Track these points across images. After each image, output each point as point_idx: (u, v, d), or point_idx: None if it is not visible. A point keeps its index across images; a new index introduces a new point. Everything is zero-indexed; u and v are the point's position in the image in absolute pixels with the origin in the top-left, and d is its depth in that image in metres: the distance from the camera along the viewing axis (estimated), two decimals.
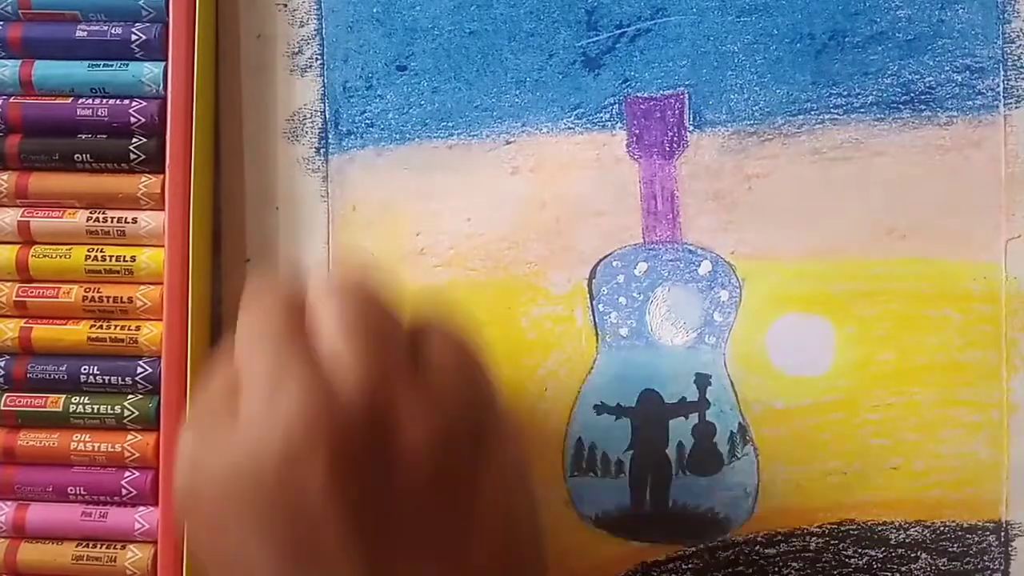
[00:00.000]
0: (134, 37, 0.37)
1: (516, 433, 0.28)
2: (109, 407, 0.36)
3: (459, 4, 0.37)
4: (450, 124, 0.37)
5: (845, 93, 0.36)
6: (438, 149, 0.37)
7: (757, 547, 0.36)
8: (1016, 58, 0.35)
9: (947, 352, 0.35)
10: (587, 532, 0.36)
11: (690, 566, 0.36)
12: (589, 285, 0.36)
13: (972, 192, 0.35)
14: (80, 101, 0.37)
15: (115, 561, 0.36)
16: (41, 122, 0.37)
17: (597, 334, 0.36)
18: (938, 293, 0.35)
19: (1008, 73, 0.35)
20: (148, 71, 0.37)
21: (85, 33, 0.37)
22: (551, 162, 0.37)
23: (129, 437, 0.36)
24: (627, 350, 0.36)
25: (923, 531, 0.35)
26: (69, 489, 0.37)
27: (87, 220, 0.37)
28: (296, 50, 0.38)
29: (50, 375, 0.37)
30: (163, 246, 0.36)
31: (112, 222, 0.37)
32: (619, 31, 0.37)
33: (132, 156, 0.37)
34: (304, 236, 0.38)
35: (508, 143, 0.37)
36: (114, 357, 0.37)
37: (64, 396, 0.37)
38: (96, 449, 0.36)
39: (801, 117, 0.36)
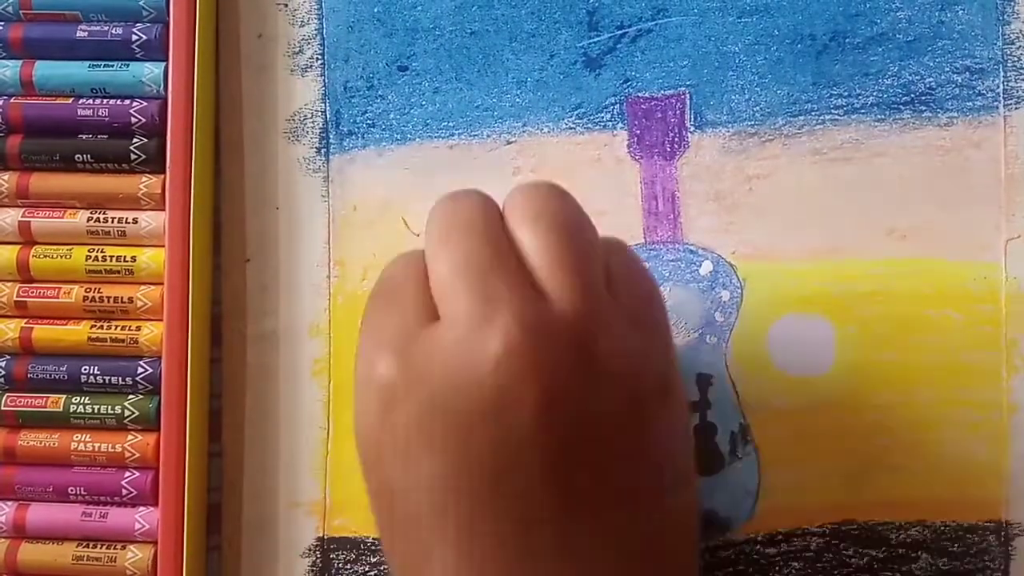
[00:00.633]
0: (135, 37, 0.37)
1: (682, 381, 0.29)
2: (109, 407, 0.36)
3: (460, 4, 0.37)
4: (451, 124, 0.37)
5: (846, 94, 0.36)
6: (439, 149, 0.37)
7: (758, 547, 0.36)
8: (1016, 59, 0.35)
9: (947, 352, 0.35)
10: None
11: None
12: None
13: (972, 192, 0.35)
14: (81, 101, 0.37)
15: (115, 561, 0.36)
16: (42, 122, 0.37)
17: None
18: (938, 293, 0.35)
19: (1008, 74, 0.35)
20: (149, 71, 0.37)
21: (86, 33, 0.37)
22: (552, 162, 0.37)
23: (129, 437, 0.36)
24: None
25: (924, 531, 0.35)
26: (69, 489, 0.36)
27: (88, 220, 0.37)
28: (297, 50, 0.38)
29: (50, 375, 0.37)
30: (164, 246, 0.36)
31: (113, 222, 0.37)
32: (620, 31, 0.37)
33: (133, 156, 0.37)
34: (304, 236, 0.38)
35: (509, 143, 0.37)
36: (114, 357, 0.37)
37: (64, 396, 0.37)
38: (96, 449, 0.36)
39: (802, 118, 0.36)
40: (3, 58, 0.38)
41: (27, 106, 0.37)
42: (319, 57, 0.38)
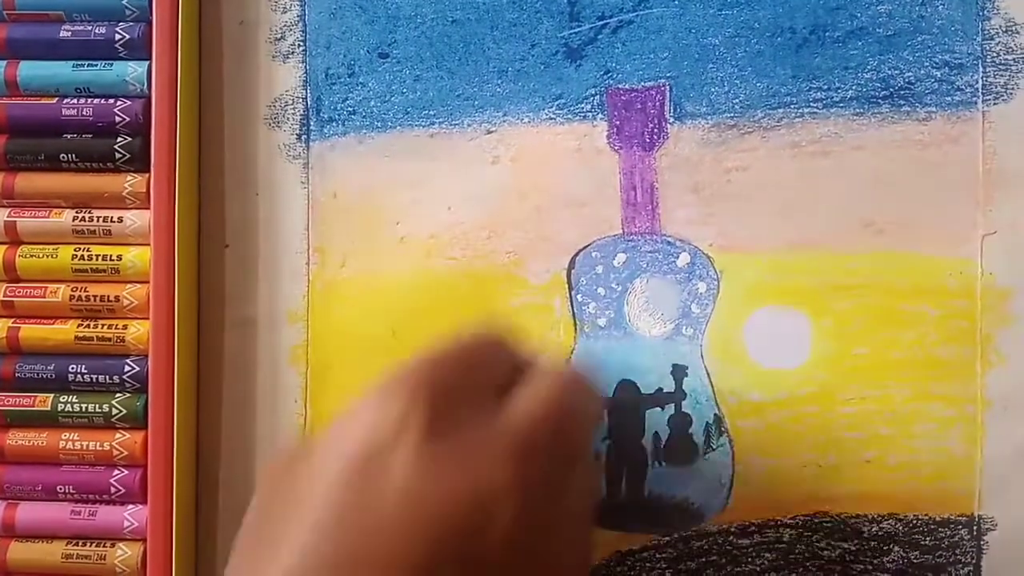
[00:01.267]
0: (118, 37, 0.37)
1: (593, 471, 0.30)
2: (97, 406, 0.37)
3: None
4: (432, 113, 0.37)
5: (825, 87, 0.36)
6: (419, 137, 0.37)
7: (731, 538, 0.36)
8: (995, 55, 0.35)
9: (922, 347, 0.35)
10: None
11: (664, 555, 0.36)
12: (568, 275, 0.37)
13: (949, 187, 0.35)
14: (65, 101, 0.37)
15: (104, 559, 0.36)
16: (26, 122, 0.37)
17: (575, 324, 0.37)
18: (914, 288, 0.35)
19: (987, 69, 0.35)
20: (132, 70, 0.37)
21: (69, 33, 0.37)
22: (532, 152, 0.37)
23: (117, 435, 0.37)
24: (605, 340, 0.36)
25: (896, 524, 0.35)
26: (58, 488, 0.37)
27: (73, 220, 0.37)
28: (278, 36, 0.38)
29: (38, 374, 0.37)
30: (149, 245, 0.36)
31: (98, 221, 0.37)
32: (601, 22, 0.37)
33: (117, 155, 0.37)
34: (284, 223, 0.38)
35: (489, 132, 0.37)
36: (101, 356, 0.37)
37: (52, 395, 0.37)
38: (85, 448, 0.36)
39: (781, 111, 0.36)
40: None
41: (11, 106, 0.37)
42: (301, 44, 0.38)
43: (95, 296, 0.37)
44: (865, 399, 0.35)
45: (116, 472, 0.37)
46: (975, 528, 0.35)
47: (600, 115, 0.37)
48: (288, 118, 0.38)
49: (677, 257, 0.36)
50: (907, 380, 0.35)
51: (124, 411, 0.36)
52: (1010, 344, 0.35)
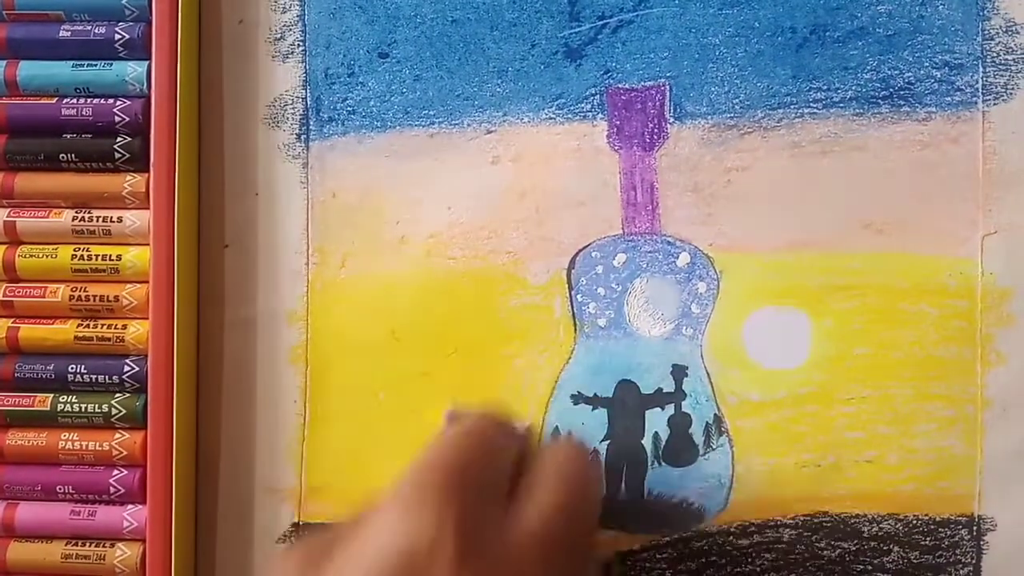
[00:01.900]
0: (117, 36, 0.37)
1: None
2: (96, 406, 0.37)
3: None
4: (431, 112, 0.37)
5: (825, 87, 0.36)
6: (419, 137, 0.37)
7: (731, 538, 0.36)
8: (995, 55, 0.35)
9: (922, 346, 0.35)
10: None
11: (664, 556, 0.36)
12: (568, 275, 0.37)
13: (949, 187, 0.35)
14: (64, 101, 0.37)
15: (104, 559, 0.36)
16: (26, 122, 0.37)
17: (575, 324, 0.36)
18: (914, 288, 0.35)
19: (987, 69, 0.35)
20: (132, 70, 0.37)
21: (69, 33, 0.37)
22: (532, 152, 0.37)
23: (117, 436, 0.37)
24: (605, 340, 0.36)
25: (896, 524, 0.35)
26: (57, 488, 0.37)
27: (73, 220, 0.37)
28: (278, 36, 0.38)
29: (37, 375, 0.37)
30: (148, 245, 0.36)
31: (98, 221, 0.37)
32: (601, 22, 0.37)
33: (117, 155, 0.37)
34: (283, 223, 0.38)
35: (489, 132, 0.37)
36: (101, 356, 0.37)
37: (52, 395, 0.37)
38: (84, 448, 0.36)
39: (781, 111, 0.36)
40: None
41: (11, 106, 0.37)
42: (300, 43, 0.38)
43: (95, 296, 0.37)
44: (865, 399, 0.35)
45: (115, 472, 0.37)
46: (975, 528, 0.35)
47: (600, 115, 0.37)
48: (288, 118, 0.38)
49: (677, 257, 0.36)
50: (907, 380, 0.35)
51: (124, 411, 0.36)
52: (1010, 344, 0.35)
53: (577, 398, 0.36)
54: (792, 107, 0.36)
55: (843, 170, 0.36)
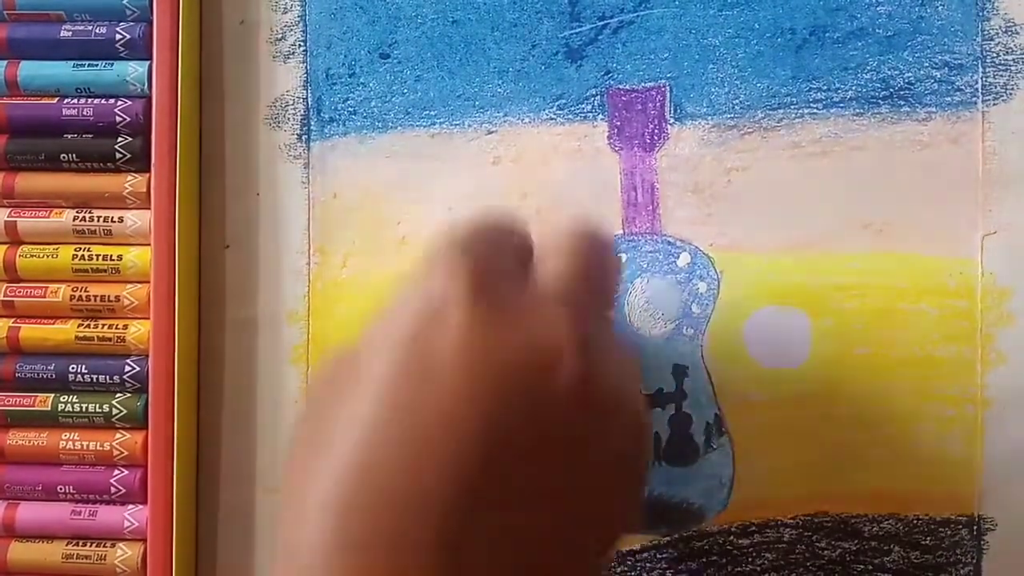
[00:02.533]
0: (118, 36, 0.37)
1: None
2: (97, 406, 0.37)
3: None
4: (432, 113, 0.37)
5: (825, 88, 0.36)
6: (420, 138, 0.37)
7: (731, 538, 0.36)
8: (995, 55, 0.35)
9: (922, 346, 0.35)
10: None
11: (664, 555, 0.36)
12: None
13: (949, 188, 0.35)
14: (65, 101, 0.37)
15: (105, 559, 0.36)
16: (27, 122, 0.38)
17: None
18: (914, 288, 0.35)
19: (987, 70, 0.35)
20: (133, 70, 0.37)
21: (70, 33, 0.37)
22: (532, 152, 0.37)
23: (118, 436, 0.37)
24: None
25: (896, 524, 0.35)
26: (58, 488, 0.37)
27: (74, 220, 0.37)
28: (279, 36, 0.38)
29: (38, 374, 0.37)
30: (149, 245, 0.36)
31: (98, 221, 0.37)
32: (602, 23, 0.37)
33: (118, 155, 0.37)
34: (284, 223, 0.38)
35: (490, 133, 0.37)
36: (102, 356, 0.37)
37: (52, 395, 0.37)
38: (85, 448, 0.36)
39: (781, 111, 0.36)
40: None
41: (12, 106, 0.37)
42: (301, 44, 0.38)
43: (95, 296, 0.37)
44: (865, 399, 0.35)
45: (116, 472, 0.37)
46: (975, 528, 0.35)
47: (600, 115, 0.37)
48: (289, 118, 0.38)
49: (677, 257, 0.36)
50: (907, 380, 0.35)
51: (124, 411, 0.36)
52: (1010, 344, 0.35)
53: None
54: (792, 107, 0.36)
55: (843, 170, 0.36)
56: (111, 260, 0.37)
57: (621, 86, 0.37)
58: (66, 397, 0.37)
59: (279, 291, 0.38)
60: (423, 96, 0.37)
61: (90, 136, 0.37)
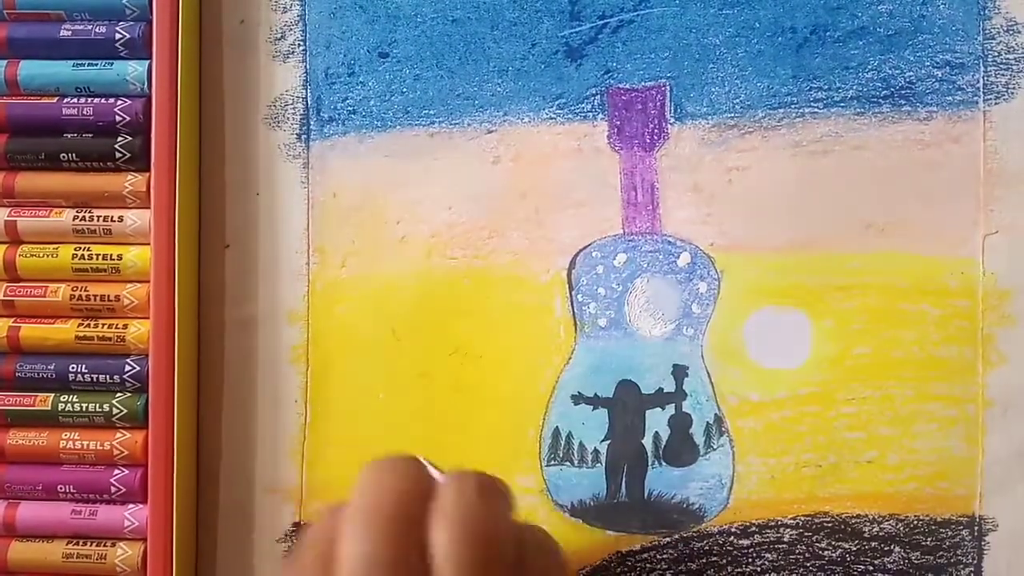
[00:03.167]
0: (118, 36, 0.37)
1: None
2: (97, 405, 0.37)
3: None
4: (432, 112, 0.37)
5: (825, 87, 0.36)
6: (419, 137, 0.37)
7: (731, 538, 0.36)
8: (996, 54, 0.35)
9: (923, 347, 0.35)
10: (562, 521, 0.36)
11: (665, 556, 0.36)
12: (568, 275, 0.37)
13: (951, 187, 0.35)
14: (65, 100, 0.37)
15: (105, 559, 0.36)
16: (27, 122, 0.37)
17: (576, 324, 0.36)
18: (915, 288, 0.35)
19: (988, 69, 0.35)
20: (132, 70, 0.37)
21: (69, 32, 0.37)
22: (532, 152, 0.37)
23: (118, 435, 0.37)
24: (605, 340, 0.36)
25: (897, 525, 0.35)
26: (59, 487, 0.37)
27: (73, 219, 0.37)
28: (279, 36, 0.38)
29: (38, 374, 0.37)
30: (149, 244, 0.36)
31: (98, 221, 0.37)
32: (602, 22, 0.37)
33: (118, 155, 0.37)
34: (284, 223, 0.38)
35: (489, 132, 0.37)
36: (102, 355, 0.37)
37: (52, 395, 0.37)
38: (85, 447, 0.36)
39: (781, 110, 0.36)
40: None
41: (12, 106, 0.37)
42: (301, 43, 0.38)
43: (95, 296, 0.37)
44: (866, 399, 0.35)
45: (116, 472, 0.37)
46: (976, 528, 0.35)
47: (600, 115, 0.37)
48: (288, 118, 0.38)
49: (678, 257, 0.36)
50: (908, 380, 0.35)
51: (124, 411, 0.36)
52: (1011, 344, 0.35)
53: (577, 398, 0.36)
54: (793, 107, 0.36)
55: (844, 170, 0.36)
56: (111, 260, 0.37)
57: (621, 85, 0.37)
58: (66, 397, 0.37)
59: (279, 290, 0.38)
60: (422, 95, 0.37)
61: (90, 135, 0.37)
